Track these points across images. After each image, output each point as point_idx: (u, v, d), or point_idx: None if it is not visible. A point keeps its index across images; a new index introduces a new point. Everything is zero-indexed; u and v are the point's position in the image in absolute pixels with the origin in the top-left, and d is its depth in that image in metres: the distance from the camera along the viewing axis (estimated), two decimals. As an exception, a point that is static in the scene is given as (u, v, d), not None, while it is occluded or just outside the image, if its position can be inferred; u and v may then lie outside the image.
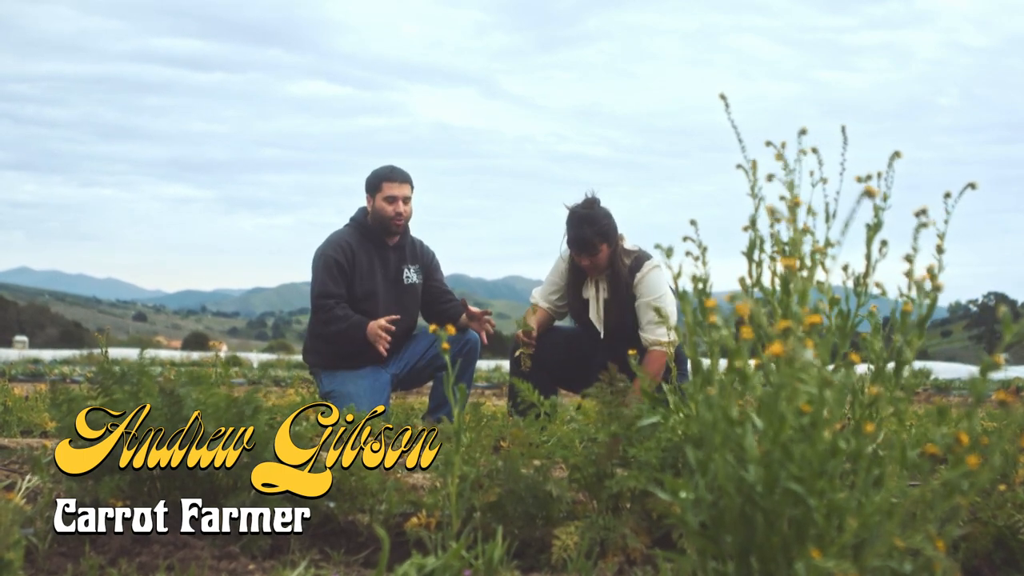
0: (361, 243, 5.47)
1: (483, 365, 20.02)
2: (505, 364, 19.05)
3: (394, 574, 1.78)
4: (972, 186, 2.06)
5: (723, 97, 2.19)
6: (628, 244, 5.17)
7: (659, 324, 4.97)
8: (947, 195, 2.10)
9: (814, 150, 2.18)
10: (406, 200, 5.49)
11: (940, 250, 2.11)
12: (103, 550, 2.07)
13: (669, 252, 1.98)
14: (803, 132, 2.15)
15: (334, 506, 2.30)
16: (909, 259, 2.06)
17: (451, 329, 2.07)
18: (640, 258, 5.13)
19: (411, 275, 5.57)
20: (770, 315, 2.01)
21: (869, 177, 2.17)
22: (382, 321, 5.24)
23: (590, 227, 5.03)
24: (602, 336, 5.24)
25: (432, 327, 2.12)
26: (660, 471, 2.10)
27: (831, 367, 1.69)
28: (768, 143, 2.17)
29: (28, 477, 2.56)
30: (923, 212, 2.01)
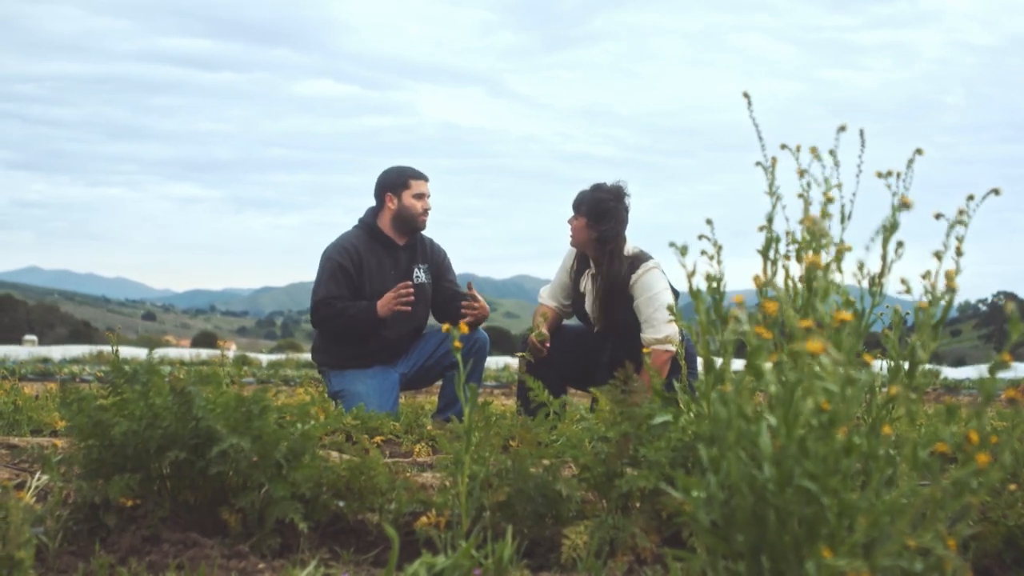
0: (370, 245, 5.48)
1: (491, 364, 20.05)
2: (513, 362, 19.08)
3: (404, 573, 1.78)
4: (996, 192, 2.05)
5: (746, 95, 2.19)
6: (629, 247, 5.21)
7: (658, 323, 5.01)
8: (970, 197, 2.09)
9: (831, 152, 2.17)
10: (429, 196, 5.58)
11: (959, 252, 2.10)
12: (113, 549, 2.07)
13: (684, 250, 1.98)
14: (842, 129, 2.15)
15: (343, 505, 2.30)
16: (938, 255, 2.06)
17: (464, 328, 2.07)
18: (638, 259, 5.17)
19: (421, 274, 5.59)
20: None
21: (889, 174, 2.16)
22: (389, 294, 5.25)
23: (589, 193, 5.26)
24: (595, 329, 5.30)
25: (445, 326, 2.12)
26: (670, 470, 2.10)
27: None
28: (783, 146, 2.17)
29: (38, 476, 2.57)
30: (960, 212, 2.00)
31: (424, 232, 5.67)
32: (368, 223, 5.56)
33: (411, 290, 5.26)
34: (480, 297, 5.46)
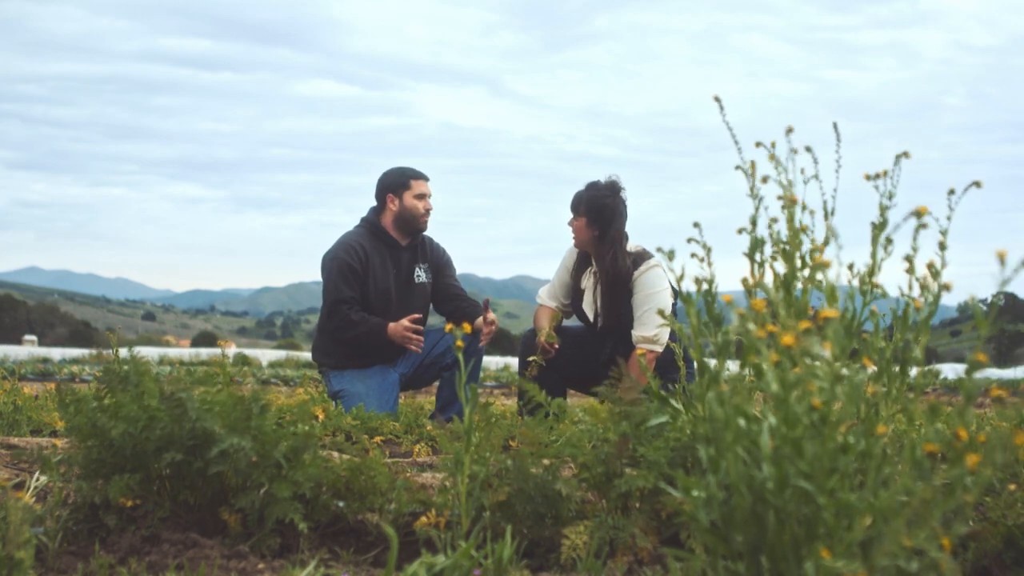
0: (373, 244, 5.49)
1: (491, 364, 20.05)
2: (514, 363, 19.07)
3: (404, 573, 1.78)
4: (977, 184, 2.06)
5: (717, 99, 2.19)
6: (631, 245, 5.23)
7: (648, 323, 5.04)
8: (951, 192, 2.10)
9: (808, 148, 2.18)
10: (430, 196, 5.60)
11: (942, 247, 2.11)
12: (113, 549, 2.08)
13: (671, 255, 1.98)
14: (790, 131, 2.15)
15: (343, 505, 2.30)
16: (909, 259, 2.06)
17: (467, 327, 2.08)
18: (641, 257, 5.19)
19: (422, 274, 5.61)
20: (773, 315, 2.01)
21: (878, 176, 2.17)
22: (405, 322, 5.30)
23: (585, 192, 5.28)
24: (597, 327, 5.30)
25: (448, 326, 2.13)
26: (669, 470, 2.10)
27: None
28: (758, 144, 2.18)
29: (37, 476, 2.57)
30: (921, 213, 2.00)
31: (425, 232, 5.68)
32: (371, 222, 5.57)
33: (421, 339, 5.39)
34: (494, 316, 5.49)
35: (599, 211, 5.15)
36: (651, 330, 5.03)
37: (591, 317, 5.34)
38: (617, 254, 5.16)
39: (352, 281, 5.38)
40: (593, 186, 5.24)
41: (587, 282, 5.35)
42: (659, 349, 5.00)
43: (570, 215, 5.29)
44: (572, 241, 5.36)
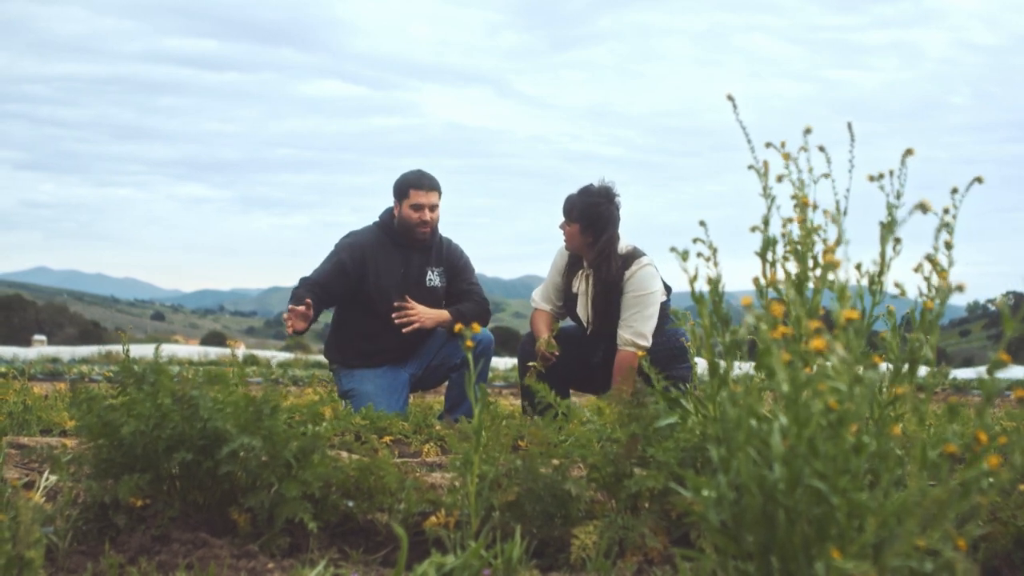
0: (383, 243, 5.48)
1: (500, 364, 20.03)
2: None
3: (413, 573, 1.78)
4: (979, 180, 2.05)
5: (731, 98, 2.18)
6: (622, 245, 5.18)
7: (635, 325, 5.02)
8: (954, 190, 2.09)
9: (821, 148, 2.17)
10: (433, 208, 5.46)
11: (949, 246, 2.10)
12: (123, 548, 2.08)
13: (685, 255, 1.98)
14: (808, 131, 2.15)
15: (353, 505, 2.30)
16: (931, 259, 2.05)
17: (476, 327, 2.09)
18: (631, 256, 5.15)
19: (434, 278, 5.57)
20: (785, 315, 2.01)
21: (881, 176, 2.17)
22: (298, 309, 5.07)
23: (578, 198, 5.19)
24: (588, 331, 5.28)
25: (458, 326, 2.14)
26: (679, 471, 2.10)
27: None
28: (768, 144, 2.17)
29: (47, 475, 2.57)
30: (946, 210, 2.00)
31: (442, 232, 5.65)
32: (385, 223, 5.56)
33: (295, 324, 5.05)
34: (413, 305, 5.44)
35: (594, 219, 5.09)
36: (634, 331, 5.03)
37: (583, 321, 5.32)
38: (609, 260, 5.12)
39: (335, 277, 5.38)
40: (586, 191, 5.16)
41: (578, 285, 5.32)
42: (639, 351, 5.00)
43: (562, 218, 5.26)
44: (563, 243, 5.33)
